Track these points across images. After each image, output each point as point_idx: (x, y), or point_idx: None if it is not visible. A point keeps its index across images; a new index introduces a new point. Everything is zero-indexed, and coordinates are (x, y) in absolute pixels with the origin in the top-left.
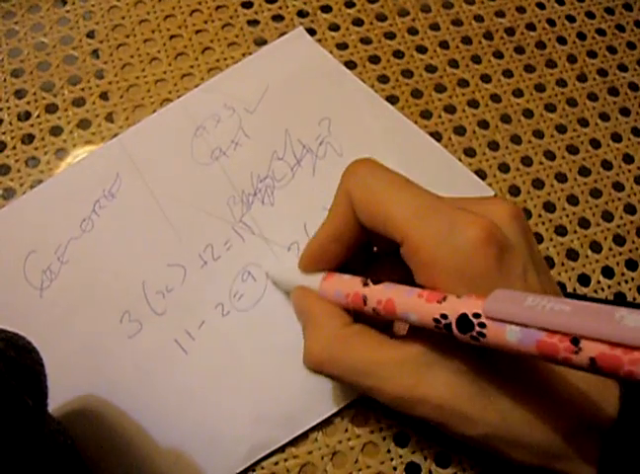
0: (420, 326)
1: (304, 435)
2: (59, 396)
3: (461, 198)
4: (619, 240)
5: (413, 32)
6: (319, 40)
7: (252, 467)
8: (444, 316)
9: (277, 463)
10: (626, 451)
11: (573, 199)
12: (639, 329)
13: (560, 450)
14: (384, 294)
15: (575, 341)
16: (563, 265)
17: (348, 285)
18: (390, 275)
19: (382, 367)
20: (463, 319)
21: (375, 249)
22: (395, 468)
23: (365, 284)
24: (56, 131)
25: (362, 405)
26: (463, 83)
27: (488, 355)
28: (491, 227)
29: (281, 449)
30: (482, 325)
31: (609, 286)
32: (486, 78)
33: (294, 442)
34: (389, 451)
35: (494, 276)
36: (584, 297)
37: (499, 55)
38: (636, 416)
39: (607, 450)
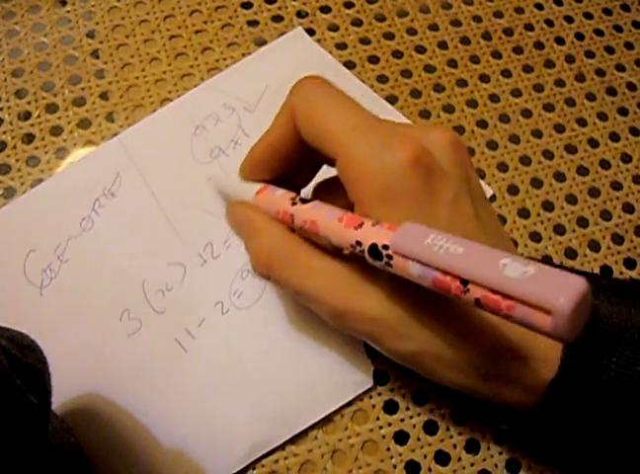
0: (342, 248)
1: (304, 434)
2: (59, 394)
3: (403, 123)
4: (618, 239)
5: (412, 32)
6: (318, 41)
7: (252, 465)
8: (359, 243)
9: (277, 461)
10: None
11: (571, 199)
12: (515, 280)
13: (489, 371)
14: (309, 215)
15: (464, 282)
16: (561, 263)
17: (278, 202)
18: (336, 194)
19: (324, 276)
20: (374, 249)
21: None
22: (395, 466)
23: (294, 203)
24: (57, 131)
25: (362, 403)
26: (462, 83)
27: None
28: (421, 150)
29: (281, 447)
30: (389, 256)
31: None
32: (485, 78)
33: (294, 440)
34: (389, 449)
35: (420, 199)
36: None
37: (497, 55)
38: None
39: (559, 380)
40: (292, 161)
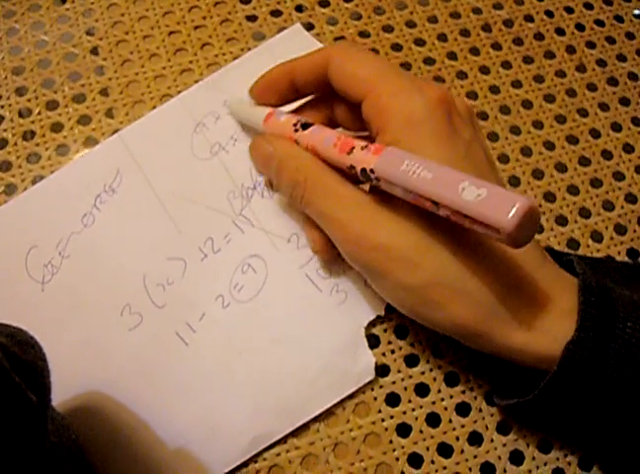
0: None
1: (306, 427)
2: (60, 389)
3: None
4: (620, 229)
5: (411, 25)
6: (317, 35)
7: (254, 458)
8: (353, 167)
9: (278, 454)
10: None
11: (573, 189)
12: (470, 202)
13: (493, 308)
14: (309, 140)
15: (435, 202)
16: None
17: (283, 130)
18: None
19: (345, 203)
20: (364, 172)
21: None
22: (397, 458)
23: (296, 130)
24: (57, 128)
25: (364, 395)
26: (462, 75)
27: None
28: (446, 94)
29: (283, 440)
30: (377, 179)
31: None
32: (485, 70)
33: (296, 433)
34: (391, 442)
35: (441, 130)
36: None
37: (497, 47)
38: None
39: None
40: (300, 91)
